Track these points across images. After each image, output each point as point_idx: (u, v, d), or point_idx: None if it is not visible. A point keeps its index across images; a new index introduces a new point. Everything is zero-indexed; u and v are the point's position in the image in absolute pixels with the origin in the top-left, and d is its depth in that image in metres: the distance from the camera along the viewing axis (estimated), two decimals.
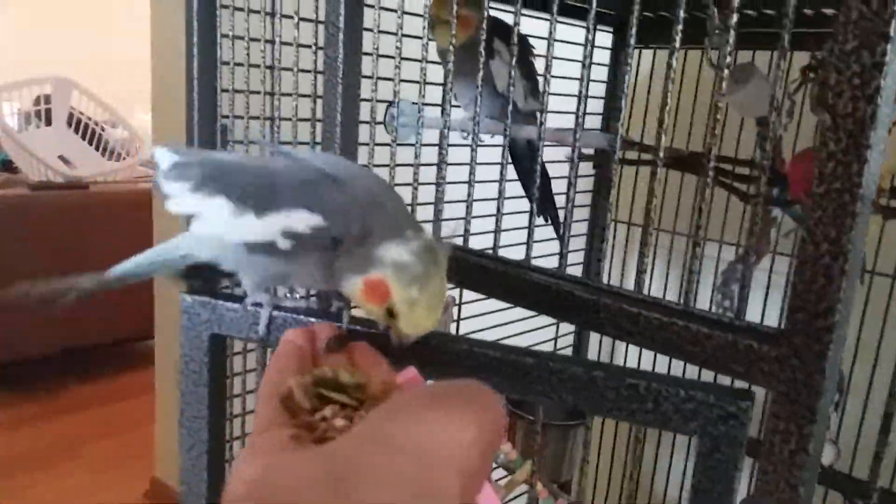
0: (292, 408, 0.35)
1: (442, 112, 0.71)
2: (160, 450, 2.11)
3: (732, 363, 0.40)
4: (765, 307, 0.94)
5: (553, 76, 0.91)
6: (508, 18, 0.84)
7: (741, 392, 0.41)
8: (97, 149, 3.13)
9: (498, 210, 0.57)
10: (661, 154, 0.44)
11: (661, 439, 1.16)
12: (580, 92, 0.53)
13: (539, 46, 0.92)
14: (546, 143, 0.90)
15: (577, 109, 0.54)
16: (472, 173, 0.61)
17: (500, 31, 0.86)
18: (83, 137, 3.11)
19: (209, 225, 0.48)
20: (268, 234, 0.45)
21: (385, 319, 0.42)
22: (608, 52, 1.15)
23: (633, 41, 0.48)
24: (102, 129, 3.16)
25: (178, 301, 1.81)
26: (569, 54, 0.95)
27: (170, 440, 2.07)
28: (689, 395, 0.41)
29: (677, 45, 0.45)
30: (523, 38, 0.88)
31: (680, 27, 0.45)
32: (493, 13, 0.84)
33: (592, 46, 0.52)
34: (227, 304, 0.52)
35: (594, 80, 1.11)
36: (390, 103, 0.78)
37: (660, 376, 0.41)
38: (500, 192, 0.58)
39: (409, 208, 0.55)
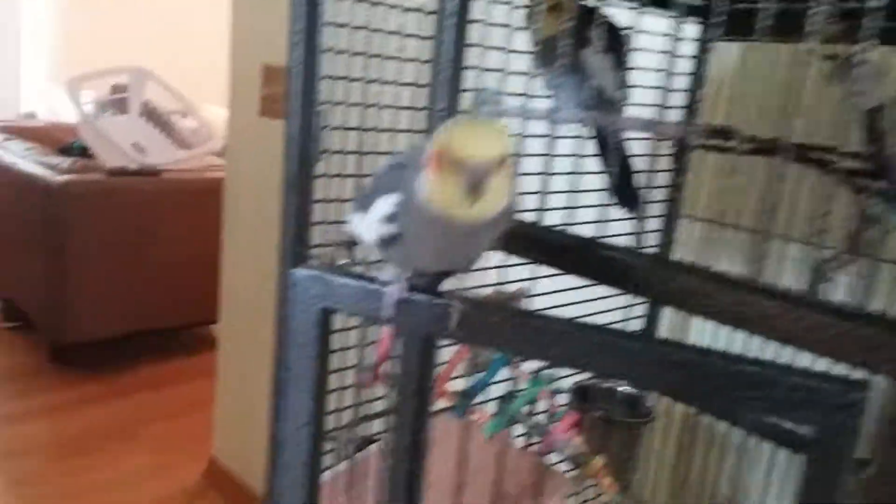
0: None
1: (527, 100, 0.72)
2: (219, 432, 2.17)
3: (855, 352, 0.40)
4: None
5: (638, 67, 0.92)
6: (604, 9, 0.85)
7: (855, 382, 0.41)
8: (169, 138, 3.23)
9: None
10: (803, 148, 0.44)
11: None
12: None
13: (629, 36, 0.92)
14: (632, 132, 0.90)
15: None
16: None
17: (595, 20, 0.87)
18: (156, 126, 3.22)
19: (362, 236, 0.53)
20: (377, 227, 0.49)
21: (449, 178, 0.41)
22: (694, 44, 1.14)
23: None
24: (175, 119, 3.26)
25: (244, 287, 1.85)
26: (654, 45, 0.94)
27: (228, 423, 2.12)
28: (802, 383, 0.41)
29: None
30: (615, 28, 0.88)
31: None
32: (588, 2, 0.85)
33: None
34: (338, 278, 0.54)
35: (677, 73, 1.11)
36: (477, 91, 0.80)
37: (773, 364, 0.42)
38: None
39: None
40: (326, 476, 1.03)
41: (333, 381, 0.92)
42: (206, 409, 2.23)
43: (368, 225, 0.50)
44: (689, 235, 1.09)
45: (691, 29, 1.12)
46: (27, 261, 2.71)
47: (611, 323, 1.15)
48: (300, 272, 0.56)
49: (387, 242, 0.49)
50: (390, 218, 0.47)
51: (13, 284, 2.92)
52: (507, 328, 0.49)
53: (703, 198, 1.09)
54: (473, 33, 0.64)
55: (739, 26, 0.92)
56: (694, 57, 1.14)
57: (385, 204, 0.47)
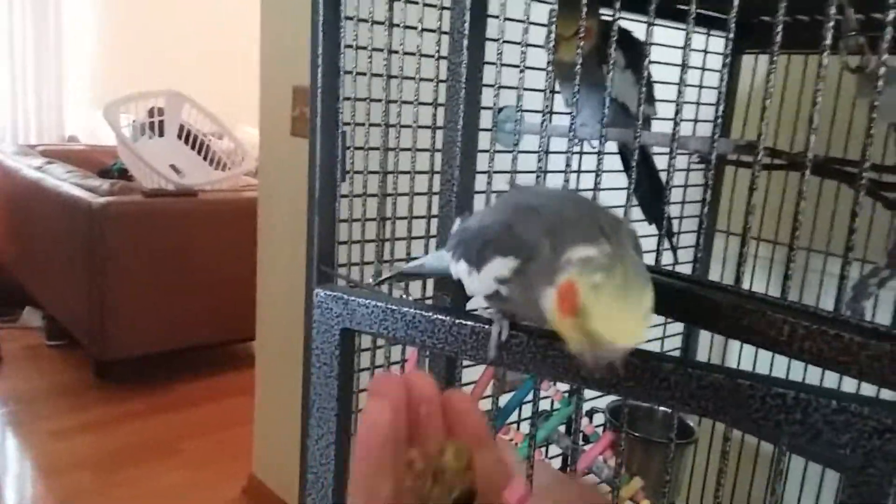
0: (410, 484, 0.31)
1: (545, 119, 0.71)
2: (258, 449, 2.18)
3: (890, 374, 0.38)
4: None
5: (666, 82, 0.90)
6: (624, 24, 0.84)
7: None
8: (205, 159, 3.29)
9: (624, 213, 0.56)
10: (810, 158, 0.43)
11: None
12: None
13: (654, 52, 0.91)
14: (660, 148, 0.89)
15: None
16: (597, 179, 0.60)
17: (617, 37, 0.86)
18: (192, 148, 3.29)
19: (465, 283, 0.53)
20: (489, 286, 0.49)
21: (579, 333, 0.38)
22: (721, 58, 1.13)
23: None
24: (210, 141, 3.33)
25: (279, 304, 1.86)
26: (680, 59, 0.93)
27: (267, 439, 2.14)
28: (841, 407, 0.39)
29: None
30: (638, 43, 0.87)
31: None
32: (608, 19, 0.84)
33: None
34: (359, 299, 0.53)
35: (707, 87, 1.09)
36: (499, 110, 0.79)
37: (809, 386, 0.40)
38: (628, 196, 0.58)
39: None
40: None
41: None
42: (246, 426, 2.25)
43: (482, 279, 0.49)
44: (726, 251, 1.07)
45: (718, 42, 1.10)
46: (69, 281, 2.78)
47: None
48: (322, 292, 0.56)
49: (495, 296, 0.49)
50: (503, 281, 0.47)
51: (57, 303, 3.00)
52: (535, 353, 0.48)
53: (738, 212, 1.06)
54: (490, 51, 0.64)
55: (767, 39, 0.90)
56: (719, 70, 1.12)
57: (503, 267, 0.46)
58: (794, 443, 0.40)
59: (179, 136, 3.28)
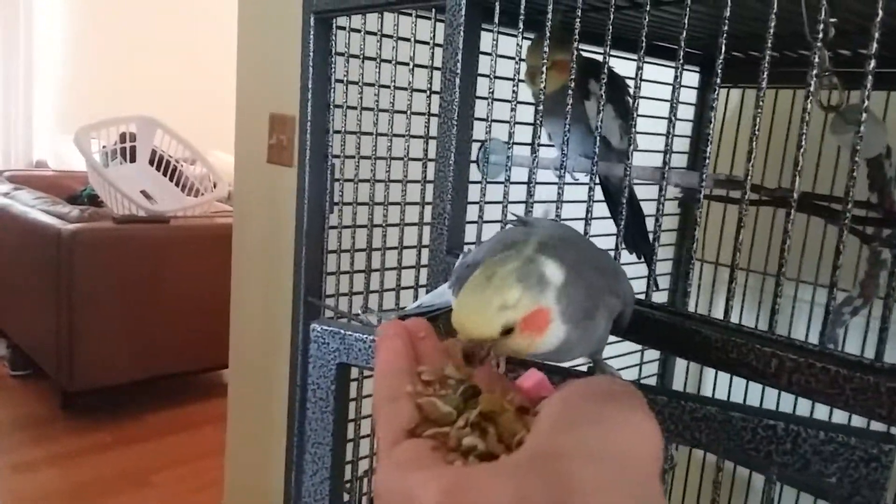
0: (432, 418, 0.32)
1: (532, 150, 0.73)
2: (229, 480, 2.15)
3: (875, 406, 0.40)
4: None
5: (641, 115, 0.93)
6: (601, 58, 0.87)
7: (884, 435, 0.41)
8: (177, 185, 3.26)
9: (616, 247, 0.58)
10: (796, 195, 0.45)
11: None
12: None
13: (630, 86, 0.94)
14: (641, 181, 0.91)
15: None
16: (589, 211, 0.62)
17: (596, 71, 0.88)
18: (164, 174, 3.26)
19: None
20: None
21: None
22: (695, 92, 1.17)
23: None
24: (182, 166, 3.30)
25: (253, 332, 1.84)
26: (657, 94, 0.96)
27: (239, 470, 2.10)
28: (828, 437, 0.40)
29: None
30: (618, 78, 0.90)
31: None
32: (588, 55, 0.87)
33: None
34: (355, 334, 0.54)
35: (681, 119, 1.13)
36: (483, 142, 0.81)
37: (798, 417, 0.41)
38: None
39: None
40: None
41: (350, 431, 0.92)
42: (218, 456, 2.21)
43: None
44: (703, 279, 1.10)
45: (691, 76, 1.14)
46: (37, 309, 2.72)
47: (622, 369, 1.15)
48: (319, 327, 0.56)
49: None
50: None
51: (22, 332, 2.93)
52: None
53: (714, 242, 1.09)
54: (481, 86, 0.66)
55: (743, 73, 0.94)
56: (695, 104, 1.16)
57: None
58: (783, 473, 0.42)
59: (151, 162, 3.25)
